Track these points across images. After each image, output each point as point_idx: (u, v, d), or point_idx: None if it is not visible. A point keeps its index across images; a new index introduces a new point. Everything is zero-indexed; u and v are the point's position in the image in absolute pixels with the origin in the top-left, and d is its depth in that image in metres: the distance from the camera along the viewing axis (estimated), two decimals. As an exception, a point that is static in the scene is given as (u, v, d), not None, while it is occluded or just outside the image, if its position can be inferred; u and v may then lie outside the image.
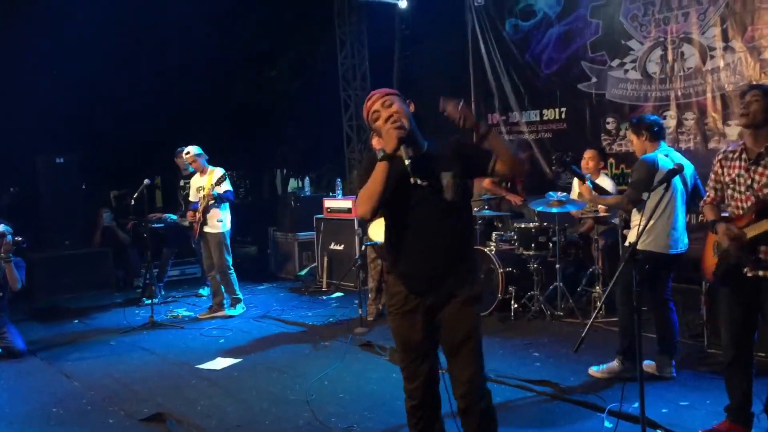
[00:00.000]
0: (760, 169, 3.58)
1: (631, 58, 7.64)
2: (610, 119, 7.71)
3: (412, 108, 3.12)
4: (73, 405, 4.94)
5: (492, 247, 7.12)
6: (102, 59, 11.21)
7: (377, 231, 6.51)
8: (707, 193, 3.95)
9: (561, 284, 6.75)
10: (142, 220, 8.12)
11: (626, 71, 7.70)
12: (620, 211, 6.02)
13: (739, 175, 3.68)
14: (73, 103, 11.00)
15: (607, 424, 4.10)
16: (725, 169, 3.77)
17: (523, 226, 6.95)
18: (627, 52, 7.66)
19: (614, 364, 4.98)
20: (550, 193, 6.59)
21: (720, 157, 3.85)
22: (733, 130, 6.83)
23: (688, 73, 7.17)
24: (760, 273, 3.56)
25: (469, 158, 3.09)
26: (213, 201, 7.40)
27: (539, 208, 6.66)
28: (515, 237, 7.00)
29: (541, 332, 6.34)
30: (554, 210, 6.50)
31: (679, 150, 7.15)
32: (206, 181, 7.57)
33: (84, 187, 10.76)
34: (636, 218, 4.95)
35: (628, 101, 7.71)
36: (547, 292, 6.84)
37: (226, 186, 7.47)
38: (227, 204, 7.56)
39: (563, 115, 8.47)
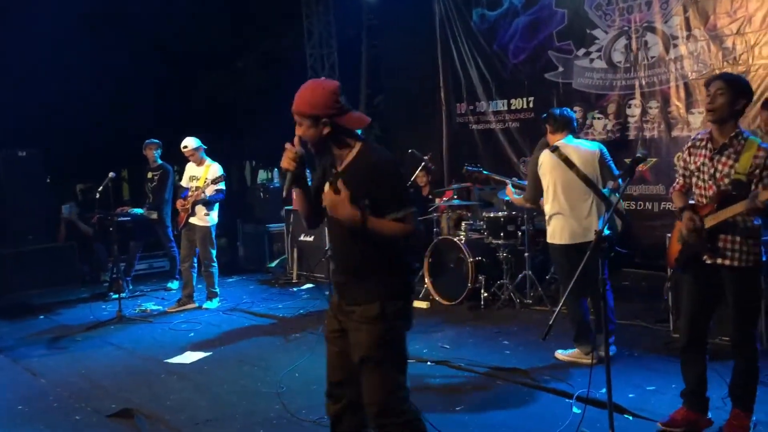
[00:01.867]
0: (723, 159, 3.60)
1: (596, 47, 7.70)
2: (576, 108, 7.73)
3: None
4: (39, 402, 4.86)
5: (461, 236, 7.16)
6: (66, 51, 11.01)
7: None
8: (676, 180, 3.95)
9: (530, 272, 6.82)
10: (107, 213, 8.01)
11: (592, 60, 7.76)
12: None
13: (703, 164, 3.68)
14: (36, 96, 10.79)
15: (575, 409, 4.16)
16: (692, 157, 3.78)
17: (492, 215, 7.00)
18: (592, 41, 7.72)
19: (576, 351, 5.12)
20: (519, 182, 6.63)
21: (689, 144, 3.85)
22: (697, 118, 6.94)
23: (652, 62, 7.26)
24: (719, 261, 3.62)
25: (373, 194, 2.83)
26: (202, 197, 7.31)
27: (508, 198, 6.70)
28: (484, 226, 7.05)
29: (510, 320, 6.40)
30: (523, 199, 6.54)
31: (644, 138, 7.30)
32: (202, 173, 7.42)
33: (48, 180, 10.57)
34: (546, 210, 5.17)
35: (595, 90, 7.78)
36: (516, 280, 6.90)
37: (219, 186, 7.35)
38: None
39: (531, 105, 8.52)
